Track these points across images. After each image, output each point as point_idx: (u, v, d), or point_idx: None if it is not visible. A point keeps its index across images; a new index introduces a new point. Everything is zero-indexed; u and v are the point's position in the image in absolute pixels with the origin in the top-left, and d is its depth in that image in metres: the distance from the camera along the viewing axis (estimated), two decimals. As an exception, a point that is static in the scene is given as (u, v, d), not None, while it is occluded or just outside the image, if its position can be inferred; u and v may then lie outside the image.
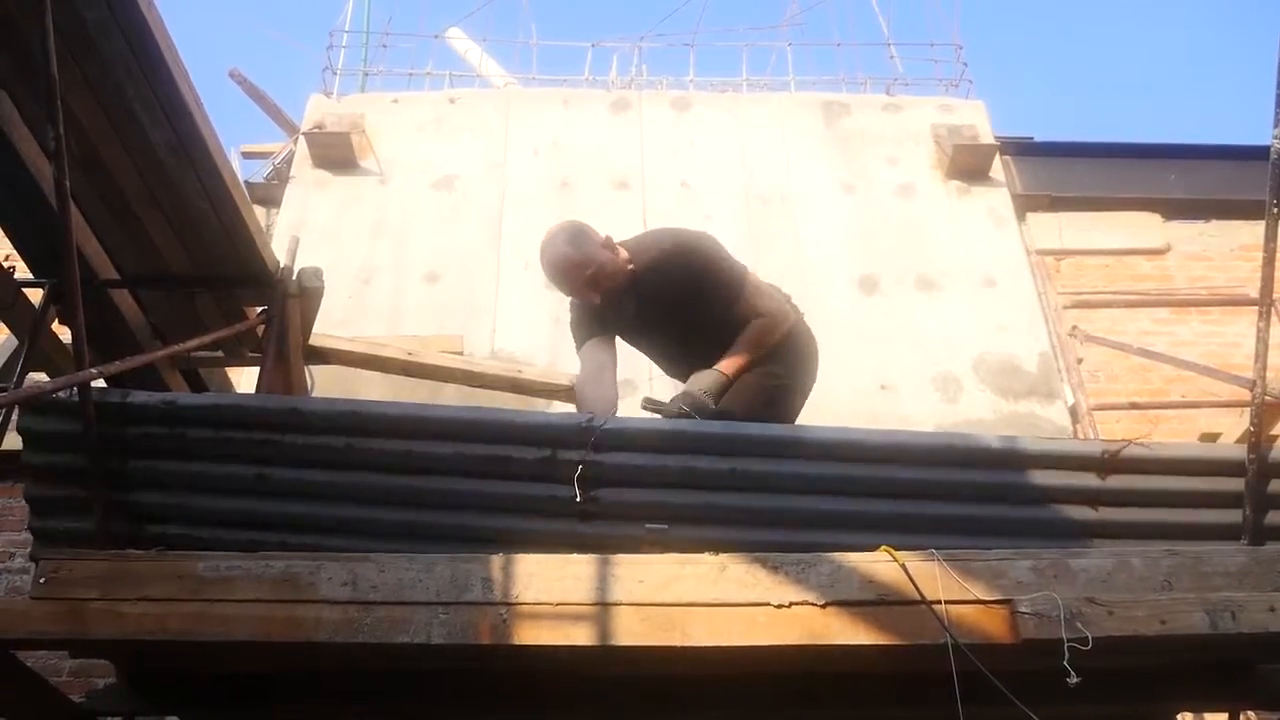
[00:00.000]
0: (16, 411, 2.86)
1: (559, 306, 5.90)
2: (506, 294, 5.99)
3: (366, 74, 7.49)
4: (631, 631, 2.34)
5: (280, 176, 6.80)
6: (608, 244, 3.31)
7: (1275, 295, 3.00)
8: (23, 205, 3.12)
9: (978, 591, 2.40)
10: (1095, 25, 24.74)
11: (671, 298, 3.31)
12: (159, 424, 2.83)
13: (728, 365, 3.20)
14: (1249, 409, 2.96)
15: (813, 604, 2.37)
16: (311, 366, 4.31)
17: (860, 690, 2.77)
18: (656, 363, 3.66)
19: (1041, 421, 5.45)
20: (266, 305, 3.76)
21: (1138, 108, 23.58)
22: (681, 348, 3.46)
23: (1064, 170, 6.92)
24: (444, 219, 6.34)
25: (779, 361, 3.34)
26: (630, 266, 3.31)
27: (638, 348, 3.59)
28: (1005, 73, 22.92)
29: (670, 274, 3.28)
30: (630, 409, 3.43)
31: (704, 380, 3.16)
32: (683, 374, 3.40)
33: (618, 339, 3.52)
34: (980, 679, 2.25)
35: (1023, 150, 7.01)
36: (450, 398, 4.90)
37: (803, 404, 3.47)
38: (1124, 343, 5.40)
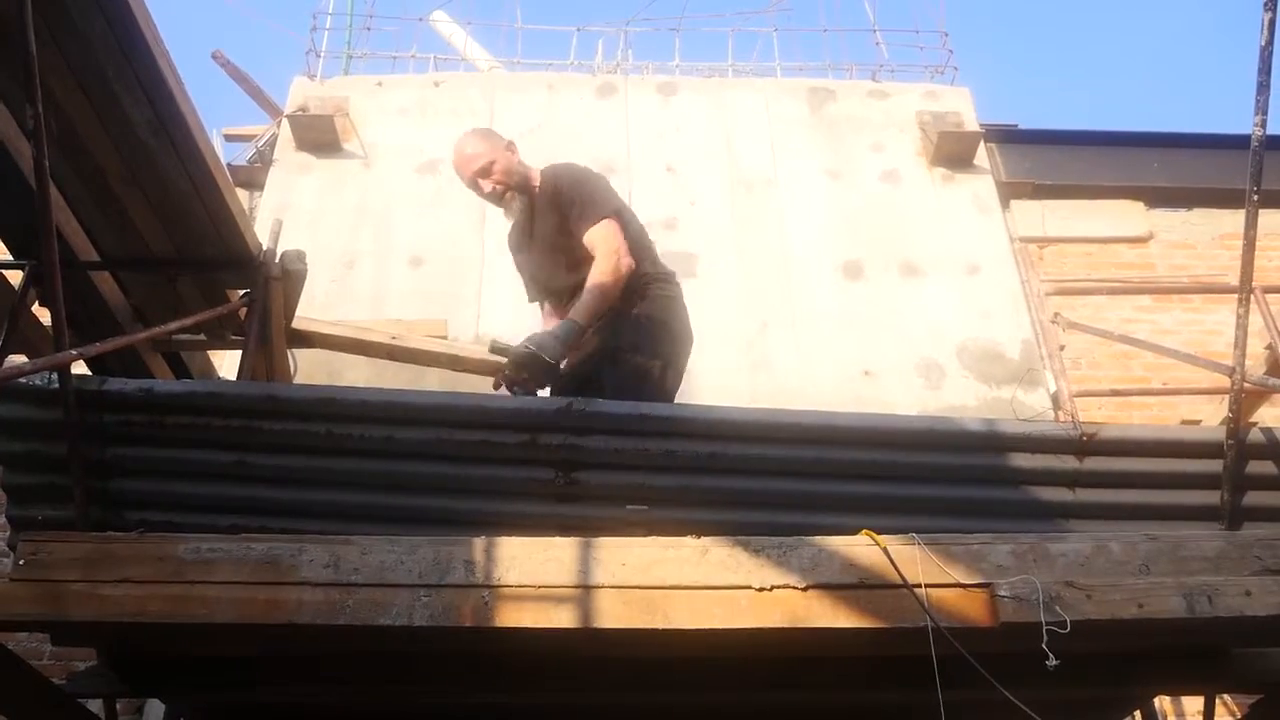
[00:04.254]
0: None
1: (544, 291, 5.92)
2: (491, 278, 5.96)
3: (350, 57, 7.42)
4: (613, 614, 2.35)
5: (263, 159, 6.75)
6: (510, 147, 3.66)
7: (1255, 283, 3.03)
8: (2, 186, 3.09)
9: (958, 575, 2.41)
10: (1080, 13, 24.80)
11: (555, 225, 3.50)
12: (137, 411, 2.83)
13: (581, 314, 3.27)
14: (1229, 395, 2.98)
15: (794, 587, 2.38)
16: (295, 350, 4.29)
17: (841, 673, 2.79)
18: (547, 299, 3.77)
19: (1023, 408, 5.47)
20: (249, 288, 3.74)
21: (1122, 96, 23.66)
22: (562, 272, 3.59)
23: (1048, 158, 6.92)
24: (428, 203, 6.31)
25: (644, 350, 3.39)
26: (536, 184, 3.61)
27: (540, 283, 3.73)
28: (990, 60, 22.97)
29: (551, 194, 3.53)
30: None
31: (558, 328, 3.23)
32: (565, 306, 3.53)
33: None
34: (960, 661, 2.27)
35: (1007, 138, 7.01)
36: (434, 382, 4.89)
37: (677, 379, 3.51)
38: (1106, 330, 5.42)
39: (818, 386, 5.46)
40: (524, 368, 3.16)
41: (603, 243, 3.37)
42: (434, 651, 2.64)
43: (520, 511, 2.80)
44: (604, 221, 3.40)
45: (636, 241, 3.56)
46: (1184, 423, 5.20)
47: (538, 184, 3.61)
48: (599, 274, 3.31)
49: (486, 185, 3.57)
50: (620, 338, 3.39)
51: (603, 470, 2.85)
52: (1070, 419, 4.80)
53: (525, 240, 3.72)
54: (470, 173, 3.59)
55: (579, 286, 3.39)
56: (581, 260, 3.43)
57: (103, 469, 2.82)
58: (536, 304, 3.92)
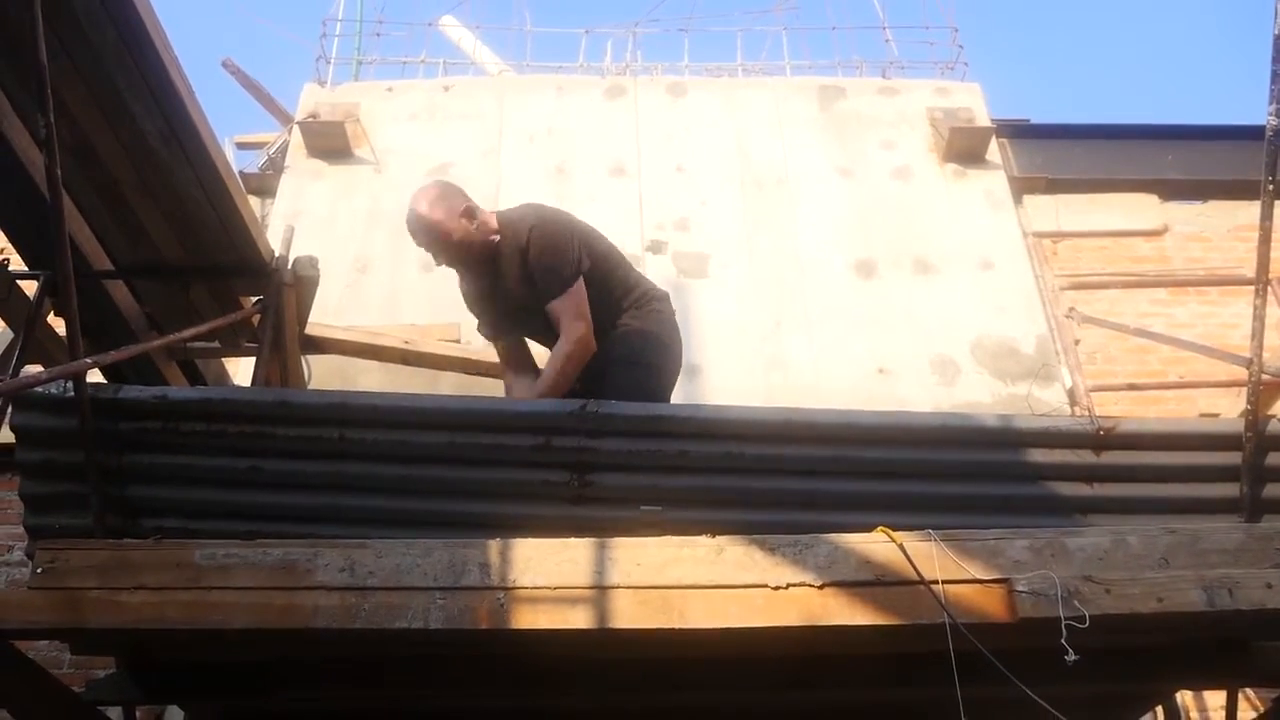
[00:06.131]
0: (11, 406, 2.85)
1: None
2: (503, 282, 5.97)
3: (360, 63, 7.46)
4: (629, 614, 2.34)
5: (275, 166, 6.77)
6: (467, 213, 3.39)
7: (1272, 274, 3.00)
8: (16, 196, 3.11)
9: (975, 571, 2.40)
10: (1091, 6, 24.69)
11: (520, 277, 3.39)
12: (151, 418, 2.84)
13: (541, 393, 3.23)
14: (1246, 388, 2.96)
15: (810, 585, 2.37)
16: (308, 356, 4.30)
17: (858, 671, 2.78)
18: (534, 339, 3.69)
19: (1039, 404, 5.44)
20: (262, 295, 3.75)
21: (1134, 89, 23.54)
22: (535, 330, 3.55)
23: (1060, 152, 6.89)
24: (440, 207, 6.32)
25: (637, 362, 3.37)
26: (495, 238, 3.41)
27: (511, 324, 3.62)
28: (1001, 55, 22.88)
29: (519, 252, 3.37)
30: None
31: None
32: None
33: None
34: (978, 658, 2.25)
35: (1019, 133, 6.98)
36: (448, 386, 4.90)
37: (667, 390, 3.49)
38: (1122, 324, 5.40)
39: (832, 385, 5.44)
40: None
41: (564, 322, 3.29)
42: (450, 654, 2.65)
43: (535, 514, 2.80)
44: (566, 294, 3.30)
45: (611, 277, 3.49)
46: (1202, 416, 5.17)
47: (497, 233, 3.42)
48: (560, 355, 3.26)
49: (440, 259, 3.44)
50: (614, 351, 3.36)
51: (617, 472, 2.84)
52: (1087, 413, 4.78)
53: (483, 283, 3.55)
54: (427, 246, 3.42)
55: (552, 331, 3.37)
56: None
57: (119, 476, 2.83)
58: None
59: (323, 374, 4.72)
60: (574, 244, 3.38)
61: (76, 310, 2.71)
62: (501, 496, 2.85)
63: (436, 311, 5.70)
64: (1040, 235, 6.48)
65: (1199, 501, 2.91)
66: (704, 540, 2.45)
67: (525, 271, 3.36)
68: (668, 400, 3.43)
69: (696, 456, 2.84)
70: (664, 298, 3.61)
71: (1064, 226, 6.56)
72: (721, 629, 2.35)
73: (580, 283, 3.33)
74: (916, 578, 2.36)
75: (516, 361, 3.65)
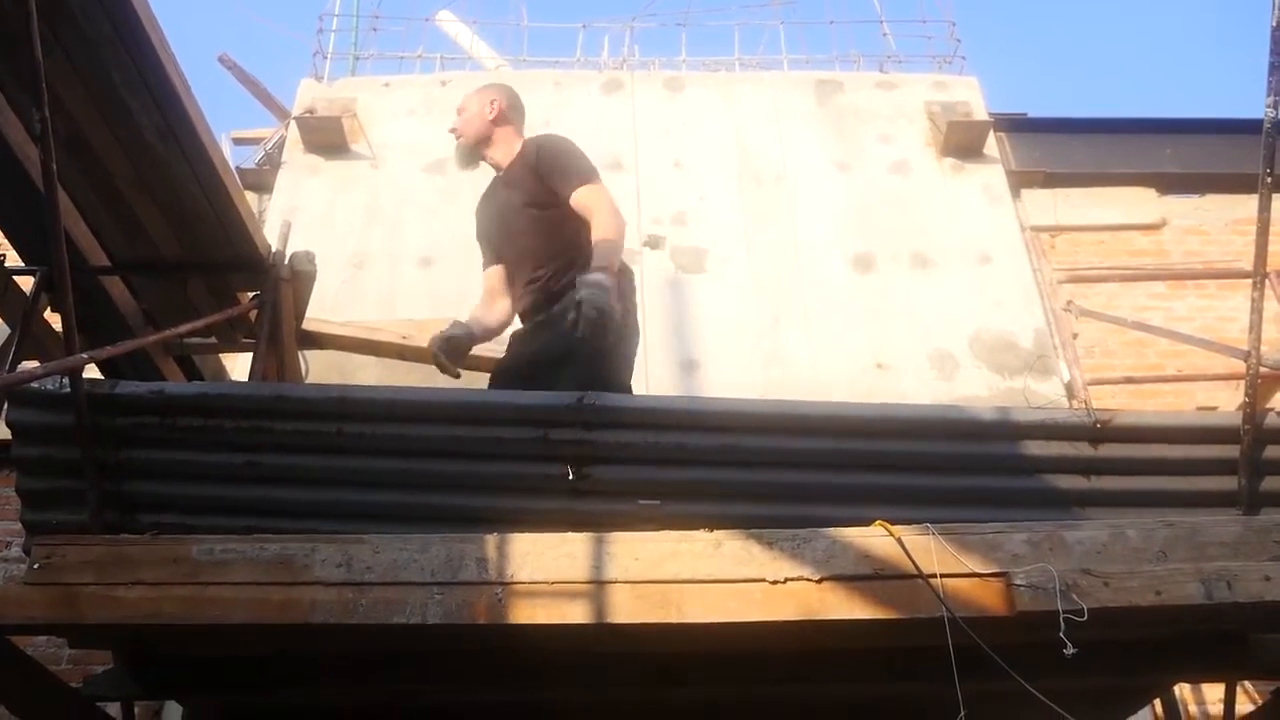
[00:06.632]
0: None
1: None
2: (501, 277, 5.97)
3: (357, 58, 7.45)
4: (627, 609, 2.33)
5: (272, 162, 6.76)
6: (492, 106, 3.64)
7: (1270, 268, 3.00)
8: (11, 191, 3.10)
9: (973, 564, 2.39)
10: (1089, 0, 24.68)
11: (527, 182, 3.47)
12: (148, 413, 2.83)
13: (606, 260, 3.18)
14: (1244, 381, 2.96)
15: (808, 579, 2.36)
16: (305, 351, 4.30)
17: (856, 665, 2.77)
18: (515, 274, 3.66)
19: (1037, 397, 5.44)
20: (259, 290, 3.75)
21: (1132, 83, 23.52)
22: (520, 252, 3.56)
23: (1058, 146, 6.89)
24: (437, 203, 6.31)
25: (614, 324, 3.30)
26: (514, 148, 3.59)
27: (506, 249, 3.65)
28: (999, 49, 22.87)
29: (529, 168, 3.47)
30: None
31: (595, 280, 3.07)
32: (530, 275, 3.50)
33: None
34: (977, 652, 2.25)
35: (1017, 126, 6.98)
36: (445, 380, 4.89)
37: (629, 363, 3.48)
38: (1119, 317, 5.40)
39: (830, 379, 5.45)
40: (600, 326, 3.00)
41: (598, 202, 3.34)
42: (447, 649, 2.64)
43: (532, 508, 2.80)
44: (595, 184, 3.39)
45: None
46: (1200, 409, 5.18)
47: (516, 150, 3.58)
48: (607, 226, 3.27)
49: (454, 132, 3.68)
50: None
51: (615, 465, 2.84)
52: (1084, 406, 4.78)
53: (493, 207, 3.70)
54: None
55: (543, 252, 3.41)
56: (552, 224, 3.40)
57: (116, 472, 2.82)
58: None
59: (320, 369, 4.72)
60: (586, 156, 3.50)
61: (72, 305, 2.70)
62: (499, 490, 2.84)
63: (434, 306, 5.70)
64: (1038, 229, 6.49)
65: (1197, 494, 2.90)
66: (702, 534, 2.44)
67: (535, 178, 3.45)
68: (630, 367, 3.45)
69: (694, 449, 2.83)
70: (630, 272, 3.61)
71: (1062, 220, 6.57)
72: (720, 623, 2.34)
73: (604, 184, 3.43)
74: (915, 572, 2.35)
75: (496, 289, 3.71)
